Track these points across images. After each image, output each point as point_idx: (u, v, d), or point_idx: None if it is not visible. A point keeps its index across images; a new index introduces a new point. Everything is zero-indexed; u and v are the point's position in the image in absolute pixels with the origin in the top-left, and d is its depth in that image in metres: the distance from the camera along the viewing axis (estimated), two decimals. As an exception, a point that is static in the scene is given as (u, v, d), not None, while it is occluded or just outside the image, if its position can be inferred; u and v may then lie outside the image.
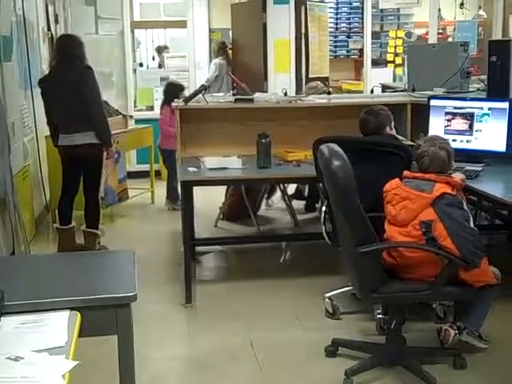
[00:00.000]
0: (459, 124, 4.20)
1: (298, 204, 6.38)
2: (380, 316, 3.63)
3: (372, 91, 5.92)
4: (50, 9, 7.22)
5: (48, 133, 6.23)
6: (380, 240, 3.10)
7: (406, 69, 8.21)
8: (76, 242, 5.20)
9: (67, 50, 4.86)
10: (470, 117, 4.15)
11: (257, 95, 5.01)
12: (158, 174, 7.31)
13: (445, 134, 4.10)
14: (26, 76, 5.69)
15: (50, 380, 1.65)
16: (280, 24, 8.11)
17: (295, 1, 8.18)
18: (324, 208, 3.94)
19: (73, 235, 5.19)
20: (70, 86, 4.75)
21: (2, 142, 4.35)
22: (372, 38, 9.42)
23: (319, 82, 6.40)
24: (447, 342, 3.36)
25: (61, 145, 4.99)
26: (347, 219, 3.02)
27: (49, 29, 7.09)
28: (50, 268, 2.60)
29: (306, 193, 6.45)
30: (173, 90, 6.57)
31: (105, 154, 5.05)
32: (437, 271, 3.00)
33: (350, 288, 3.79)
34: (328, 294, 3.97)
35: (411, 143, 4.07)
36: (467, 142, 4.16)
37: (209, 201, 5.95)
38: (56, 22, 7.59)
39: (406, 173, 3.21)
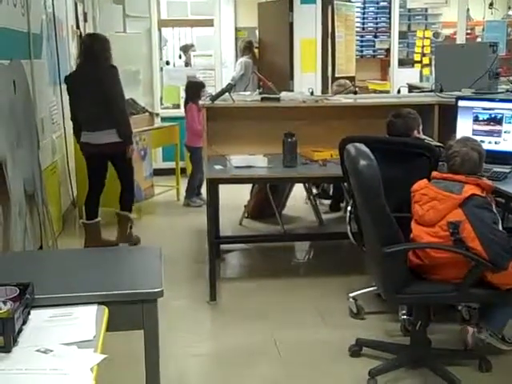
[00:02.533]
0: (487, 125, 4.16)
1: (324, 203, 6.37)
2: (405, 317, 3.61)
3: (399, 91, 5.88)
4: (79, 7, 7.30)
5: (76, 129, 6.33)
6: (406, 240, 3.09)
7: (433, 69, 8.15)
8: (102, 237, 5.27)
9: (92, 48, 4.94)
10: (498, 118, 4.11)
11: (283, 94, 5.01)
12: (183, 171, 7.34)
13: (473, 135, 4.05)
14: (55, 73, 5.76)
15: (78, 372, 1.67)
16: (307, 23, 8.11)
17: (322, 0, 8.17)
18: (349, 208, 3.93)
19: (98, 230, 5.25)
20: (94, 83, 4.82)
21: (32, 139, 4.42)
22: (399, 38, 9.36)
23: (347, 81, 6.38)
24: (467, 340, 3.34)
25: (83, 142, 5.05)
26: (373, 219, 3.02)
27: (78, 27, 7.17)
28: (78, 262, 2.64)
29: (331, 192, 6.44)
30: (194, 88, 6.70)
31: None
32: (463, 273, 2.98)
33: (375, 288, 3.78)
34: (352, 294, 3.96)
35: (439, 144, 4.05)
36: (495, 143, 4.12)
37: (234, 199, 5.96)
38: (85, 20, 7.67)
39: (434, 173, 3.19)
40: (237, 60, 8.99)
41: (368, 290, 3.95)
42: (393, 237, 2.97)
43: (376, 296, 3.92)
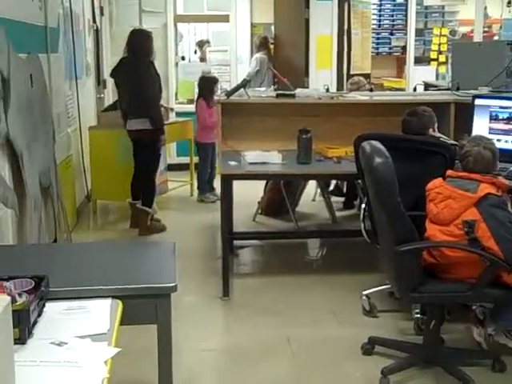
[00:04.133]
0: (504, 124, 4.13)
1: (337, 200, 6.35)
2: (418, 315, 3.60)
3: (415, 89, 5.85)
4: (96, 1, 7.32)
5: (91, 124, 6.37)
6: (420, 239, 3.08)
7: (449, 67, 8.10)
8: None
9: (135, 43, 5.38)
10: (515, 117, 4.08)
11: (298, 91, 5.00)
12: (197, 166, 7.35)
13: (489, 133, 4.03)
14: (71, 67, 5.78)
15: (92, 365, 1.68)
16: (323, 20, 8.08)
17: (339, -3, 8.14)
18: (363, 205, 3.92)
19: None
20: (132, 76, 5.27)
21: (48, 132, 4.44)
22: (415, 36, 9.30)
23: (362, 78, 6.36)
24: (476, 340, 3.32)
25: (127, 129, 5.53)
26: (387, 217, 3.00)
27: (94, 21, 7.19)
28: (93, 256, 2.65)
29: (345, 189, 6.42)
30: (206, 84, 6.77)
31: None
32: (478, 272, 2.96)
33: (388, 286, 3.77)
34: (365, 292, 3.95)
35: (454, 142, 4.02)
36: (512, 142, 4.09)
37: (247, 194, 5.97)
38: (101, 14, 7.70)
39: (449, 172, 3.17)
40: (252, 56, 8.98)
41: (381, 288, 3.94)
42: (407, 235, 2.96)
43: (389, 294, 3.91)
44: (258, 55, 8.61)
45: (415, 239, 2.98)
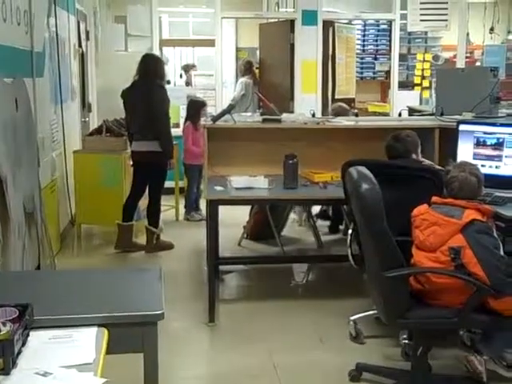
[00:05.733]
0: (488, 149, 4.16)
1: (322, 224, 6.35)
2: (405, 341, 3.58)
3: (400, 114, 5.90)
4: (82, 26, 7.34)
5: (75, 148, 6.35)
6: (407, 265, 3.08)
7: (433, 92, 8.19)
8: (133, 240, 5.73)
9: (146, 67, 5.53)
10: (499, 142, 4.11)
11: (284, 116, 5.02)
12: (182, 190, 7.33)
13: (474, 159, 4.06)
14: (56, 91, 5.77)
15: (78, 397, 1.66)
16: (308, 45, 8.15)
17: (323, 22, 8.22)
18: (350, 230, 3.91)
19: (131, 233, 5.70)
20: (142, 99, 5.39)
21: (32, 157, 4.41)
22: (399, 60, 9.40)
23: (343, 104, 6.41)
24: (475, 371, 3.30)
25: (131, 150, 5.66)
26: (374, 242, 3.01)
27: (80, 45, 7.20)
28: (77, 283, 2.61)
29: (330, 213, 6.43)
30: (194, 107, 6.88)
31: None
32: (465, 298, 2.96)
33: (375, 312, 3.75)
34: (352, 318, 3.93)
35: (439, 168, 4.05)
36: (496, 167, 4.12)
37: (233, 218, 5.95)
38: (87, 38, 7.72)
39: (434, 198, 3.18)
40: (237, 80, 9.02)
41: (368, 313, 3.93)
42: (394, 261, 2.96)
43: (376, 319, 3.90)
44: (243, 79, 8.65)
45: (402, 265, 2.98)
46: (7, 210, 3.64)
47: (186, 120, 6.90)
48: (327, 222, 6.42)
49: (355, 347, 3.83)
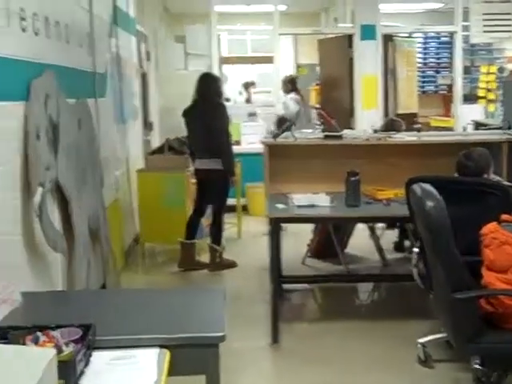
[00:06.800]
0: (561, 164, 3.99)
1: (387, 241, 6.20)
2: (478, 366, 3.41)
3: (464, 129, 5.74)
4: (142, 46, 7.46)
5: (138, 166, 6.42)
6: (477, 285, 2.95)
7: (499, 105, 7.95)
8: (196, 259, 5.77)
9: (203, 86, 5.62)
10: None
11: (346, 132, 4.96)
12: (244, 208, 7.32)
13: (545, 174, 3.90)
14: (118, 111, 5.86)
15: (140, 421, 1.63)
16: (367, 59, 8.07)
17: (383, 36, 8.13)
18: (416, 249, 3.79)
19: (193, 250, 5.75)
20: (203, 117, 5.51)
21: (96, 176, 4.47)
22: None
23: (394, 118, 6.24)
24: None
25: (194, 168, 5.74)
26: (442, 263, 2.90)
27: (141, 65, 7.32)
28: (140, 303, 2.62)
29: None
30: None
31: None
32: (540, 321, 2.82)
33: (444, 335, 3.60)
34: (421, 340, 3.76)
35: (508, 184, 3.90)
36: None
37: (296, 236, 5.89)
38: (147, 59, 7.84)
39: (505, 216, 3.06)
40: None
41: (437, 336, 3.74)
42: (463, 282, 2.85)
43: (445, 343, 3.74)
44: (292, 96, 8.42)
45: (472, 286, 2.86)
46: (73, 228, 3.69)
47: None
48: (394, 231, 6.22)
49: (424, 371, 3.68)
